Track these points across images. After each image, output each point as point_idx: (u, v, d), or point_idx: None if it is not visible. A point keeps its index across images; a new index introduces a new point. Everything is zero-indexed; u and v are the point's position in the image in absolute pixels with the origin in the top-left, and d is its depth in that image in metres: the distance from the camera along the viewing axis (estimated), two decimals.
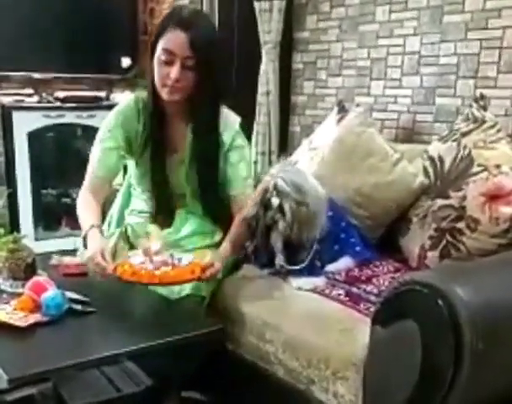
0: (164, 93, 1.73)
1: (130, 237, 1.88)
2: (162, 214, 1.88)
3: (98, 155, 1.81)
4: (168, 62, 1.68)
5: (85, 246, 1.65)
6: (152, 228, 1.83)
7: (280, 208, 1.67)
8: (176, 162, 1.84)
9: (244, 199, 1.81)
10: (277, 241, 1.72)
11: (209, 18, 1.90)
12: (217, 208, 1.84)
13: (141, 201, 1.94)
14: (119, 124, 1.82)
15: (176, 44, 1.67)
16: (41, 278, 1.51)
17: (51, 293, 1.42)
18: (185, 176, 1.84)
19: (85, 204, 1.79)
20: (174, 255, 1.54)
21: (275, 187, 1.68)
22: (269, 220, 1.69)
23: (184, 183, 1.85)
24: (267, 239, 1.72)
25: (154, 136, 1.82)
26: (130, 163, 1.93)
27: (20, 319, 1.37)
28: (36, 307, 1.42)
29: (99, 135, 1.83)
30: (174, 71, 1.67)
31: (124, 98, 1.92)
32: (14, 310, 1.42)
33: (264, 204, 1.70)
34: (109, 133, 1.81)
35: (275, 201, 1.67)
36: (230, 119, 1.86)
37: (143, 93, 1.84)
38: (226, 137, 1.82)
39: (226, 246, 1.75)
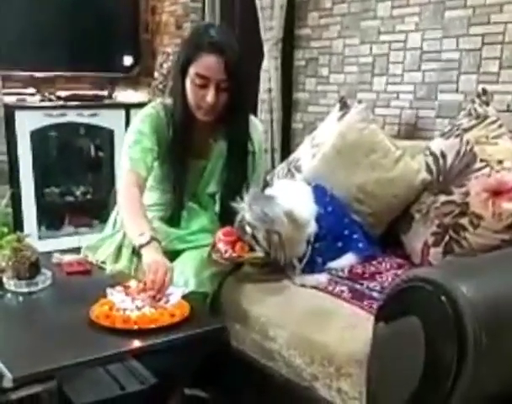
0: (199, 114, 1.78)
1: None
2: (178, 211, 1.89)
3: (139, 154, 1.77)
4: (202, 86, 1.73)
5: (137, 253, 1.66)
6: (158, 224, 1.84)
7: (253, 236, 1.67)
8: (199, 166, 1.89)
9: None
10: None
11: (231, 32, 1.90)
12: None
13: (151, 196, 1.93)
14: (152, 128, 1.82)
15: (211, 69, 1.71)
16: None
17: None
18: (206, 180, 1.91)
19: (134, 202, 1.73)
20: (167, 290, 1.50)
21: (244, 219, 1.68)
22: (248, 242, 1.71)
23: (202, 186, 1.92)
24: None
25: (181, 143, 1.83)
26: None
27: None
28: None
29: (132, 138, 1.80)
30: (211, 96, 1.72)
31: (148, 105, 1.91)
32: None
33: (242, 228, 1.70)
34: (145, 135, 1.80)
35: (249, 230, 1.67)
36: (256, 123, 1.97)
37: (166, 100, 1.88)
38: (255, 142, 1.92)
39: None
